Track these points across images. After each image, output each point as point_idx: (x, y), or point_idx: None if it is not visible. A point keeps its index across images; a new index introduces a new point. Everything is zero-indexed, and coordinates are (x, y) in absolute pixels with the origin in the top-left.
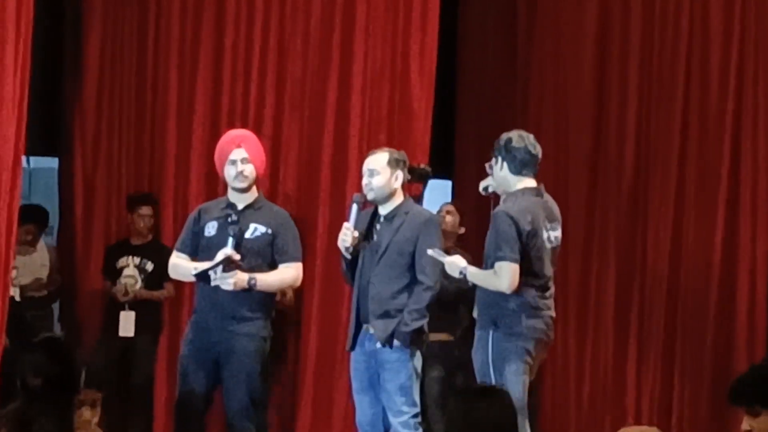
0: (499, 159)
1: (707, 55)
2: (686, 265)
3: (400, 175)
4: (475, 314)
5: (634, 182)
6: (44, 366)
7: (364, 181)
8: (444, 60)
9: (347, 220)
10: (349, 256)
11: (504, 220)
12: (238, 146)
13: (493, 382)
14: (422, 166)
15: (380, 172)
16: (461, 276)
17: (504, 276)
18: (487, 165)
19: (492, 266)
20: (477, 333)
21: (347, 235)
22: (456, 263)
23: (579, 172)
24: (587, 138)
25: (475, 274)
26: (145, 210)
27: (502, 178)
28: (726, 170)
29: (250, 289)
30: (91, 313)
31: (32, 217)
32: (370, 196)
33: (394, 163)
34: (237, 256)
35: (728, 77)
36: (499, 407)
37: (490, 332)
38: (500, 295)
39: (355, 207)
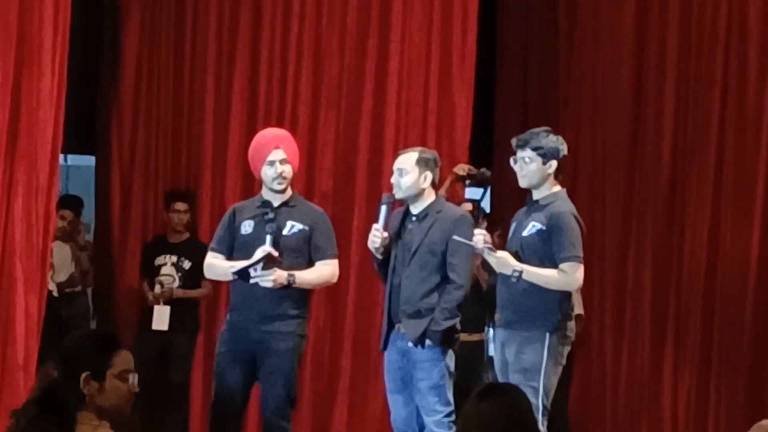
0: (553, 161)
1: (745, 56)
2: (723, 266)
3: (429, 175)
4: (502, 315)
5: (671, 184)
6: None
7: (393, 180)
8: (483, 63)
9: (377, 220)
10: (380, 257)
11: (571, 219)
12: (277, 147)
13: (541, 384)
14: (482, 170)
15: (409, 171)
16: (515, 275)
17: (577, 276)
18: (528, 154)
19: (555, 265)
20: (524, 334)
21: (376, 236)
22: (507, 261)
23: (616, 174)
24: (624, 140)
25: (537, 274)
26: (180, 206)
27: (542, 176)
28: (763, 172)
29: (288, 286)
30: (127, 312)
31: (65, 204)
32: (398, 195)
33: (423, 163)
34: (276, 253)
35: (766, 78)
36: (518, 406)
37: (546, 335)
38: (557, 299)
39: (384, 207)
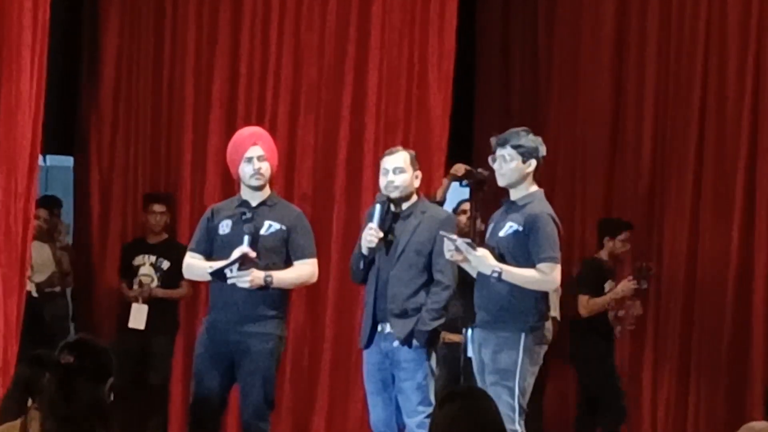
0: (533, 160)
1: (724, 55)
2: (702, 267)
3: (419, 175)
4: (479, 315)
5: (651, 186)
6: (78, 345)
7: (389, 178)
8: (463, 64)
9: (370, 221)
10: (370, 256)
11: (548, 221)
12: (254, 144)
13: (516, 385)
14: (479, 170)
15: (405, 170)
16: (494, 275)
17: (555, 277)
18: (508, 152)
19: (532, 266)
20: (501, 334)
21: (373, 236)
22: (487, 260)
23: (595, 176)
24: (604, 142)
25: (516, 274)
26: (157, 207)
27: (521, 175)
28: (742, 172)
29: (266, 287)
30: (106, 312)
31: (39, 203)
32: (394, 194)
33: (414, 163)
34: (253, 254)
35: (745, 77)
36: (487, 410)
37: (522, 336)
38: (533, 300)
39: (378, 207)
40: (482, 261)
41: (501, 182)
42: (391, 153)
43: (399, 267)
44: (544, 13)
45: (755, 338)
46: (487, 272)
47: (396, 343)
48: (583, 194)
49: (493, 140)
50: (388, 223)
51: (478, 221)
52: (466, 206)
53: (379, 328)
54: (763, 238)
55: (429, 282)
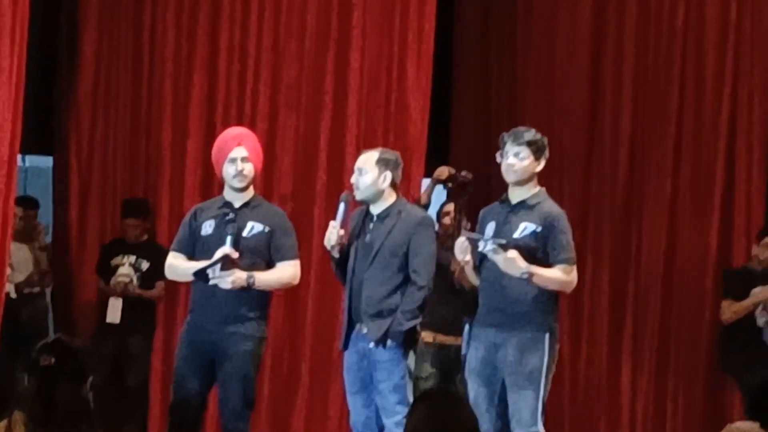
0: (543, 160)
1: (702, 56)
2: (681, 267)
3: (388, 176)
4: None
5: (629, 184)
6: (56, 346)
7: (353, 179)
8: (441, 64)
9: (334, 218)
10: (336, 255)
11: (566, 220)
12: (239, 144)
13: (542, 386)
14: (463, 173)
15: (368, 171)
16: (523, 276)
17: (575, 277)
18: (522, 150)
19: (548, 266)
20: (523, 336)
21: (333, 234)
22: (517, 262)
23: (573, 174)
24: (581, 140)
25: (545, 276)
26: (132, 221)
27: (531, 172)
28: (721, 172)
29: (248, 288)
30: (85, 313)
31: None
32: (357, 196)
33: (383, 163)
34: (235, 255)
35: (723, 77)
36: (465, 412)
37: (546, 336)
38: (552, 300)
39: (342, 206)
40: (512, 263)
41: (511, 178)
42: (362, 153)
43: (374, 268)
44: (522, 12)
45: None
46: (516, 274)
47: (371, 344)
48: (560, 193)
49: (504, 135)
50: (359, 224)
51: (464, 222)
52: (449, 208)
53: (356, 328)
54: (741, 236)
55: (404, 283)
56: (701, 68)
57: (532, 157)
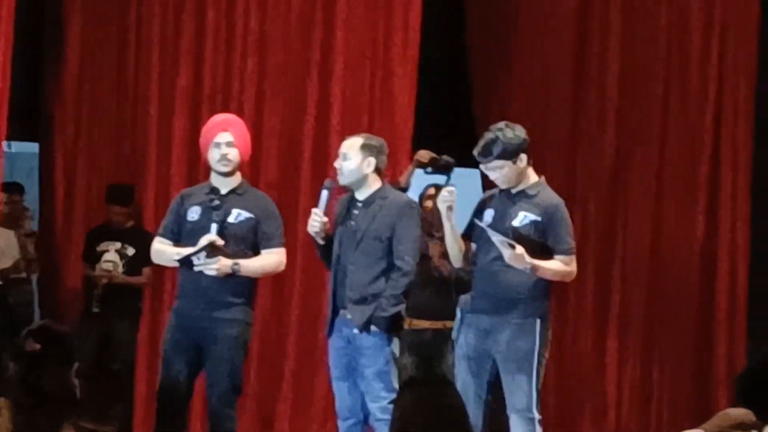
0: (523, 156)
1: (687, 39)
2: (666, 252)
3: (372, 161)
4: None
5: (614, 170)
6: (42, 332)
7: (336, 164)
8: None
9: (317, 205)
10: (321, 241)
11: (566, 210)
12: (224, 130)
13: (534, 371)
14: (444, 157)
15: (351, 156)
16: (528, 269)
17: (575, 267)
18: (496, 163)
19: (546, 255)
20: (515, 321)
21: (316, 221)
22: (525, 258)
23: (558, 160)
24: (565, 125)
25: (548, 269)
26: (117, 209)
27: (520, 172)
28: (706, 158)
29: (233, 275)
30: (71, 299)
31: (4, 188)
32: (341, 181)
33: (367, 149)
34: (220, 242)
35: (709, 61)
36: (453, 398)
37: (537, 321)
38: (545, 286)
39: (325, 192)
40: (520, 258)
41: (503, 186)
42: (346, 139)
43: (358, 254)
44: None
45: (719, 323)
46: (520, 267)
47: (355, 330)
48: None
49: (475, 154)
50: (344, 210)
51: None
52: (431, 191)
53: (340, 314)
54: (727, 221)
55: (388, 269)
56: (686, 52)
57: (509, 163)
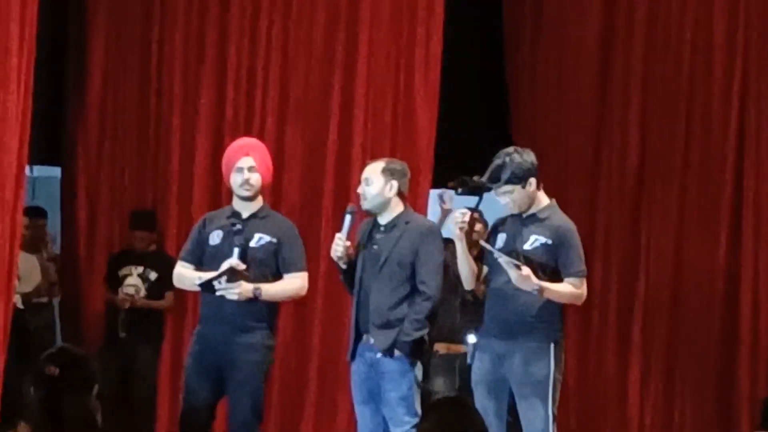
0: (533, 180)
1: (710, 64)
2: (689, 277)
3: (394, 185)
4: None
5: (637, 193)
6: (61, 355)
7: (359, 190)
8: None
9: (340, 230)
10: (343, 266)
11: (576, 234)
12: (246, 154)
13: (550, 395)
14: (475, 178)
15: (374, 181)
16: (535, 291)
17: (585, 290)
18: (506, 188)
19: (555, 279)
20: (529, 345)
21: (339, 246)
22: (531, 279)
23: (581, 183)
24: (588, 147)
25: (556, 291)
26: (140, 234)
27: (529, 196)
28: (729, 182)
29: (255, 299)
30: (93, 323)
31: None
32: (363, 206)
33: (389, 173)
34: (242, 266)
35: (732, 86)
36: (475, 421)
37: (552, 346)
38: (558, 310)
39: (348, 217)
40: (526, 279)
41: (515, 211)
42: (368, 164)
43: (381, 278)
44: (531, 20)
45: (742, 348)
46: (528, 289)
47: (379, 354)
48: (568, 203)
49: (484, 181)
50: (366, 234)
51: (478, 225)
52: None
53: (363, 339)
54: (749, 246)
55: (412, 293)
56: (709, 77)
57: (518, 187)
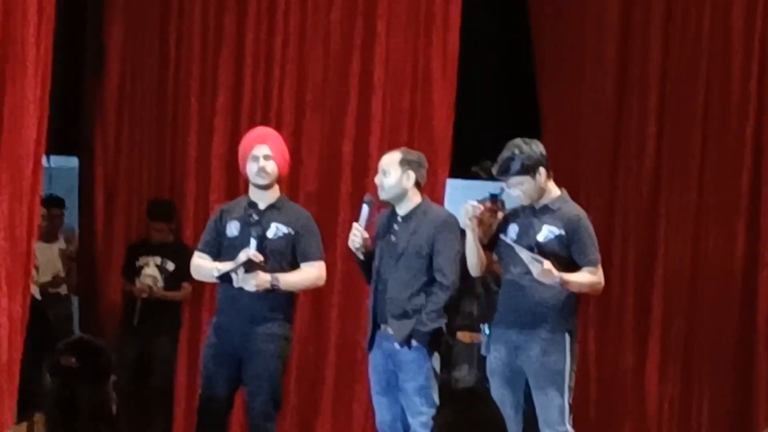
0: (542, 170)
1: (728, 60)
2: (706, 271)
3: (412, 175)
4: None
5: (654, 189)
6: (78, 345)
7: (377, 180)
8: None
9: (357, 220)
10: (361, 257)
11: (589, 223)
12: (262, 143)
13: (566, 385)
14: (488, 162)
15: (392, 171)
16: (556, 284)
17: (602, 276)
18: (516, 180)
19: (572, 268)
20: (545, 337)
21: (357, 236)
22: (553, 273)
23: (598, 179)
24: (607, 143)
25: (577, 282)
26: (158, 226)
27: (540, 187)
28: (747, 177)
29: (272, 290)
30: (111, 313)
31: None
32: (381, 196)
33: (406, 163)
34: (259, 257)
35: (749, 84)
36: (492, 412)
37: (567, 337)
38: (573, 301)
39: (365, 207)
40: (548, 273)
41: (525, 202)
42: (385, 154)
43: (399, 269)
44: (548, 15)
45: (759, 340)
46: (550, 282)
47: (396, 345)
48: (586, 198)
49: (494, 173)
50: (384, 224)
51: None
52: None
53: (381, 329)
54: (767, 238)
55: (429, 283)
56: (727, 73)
57: (528, 178)
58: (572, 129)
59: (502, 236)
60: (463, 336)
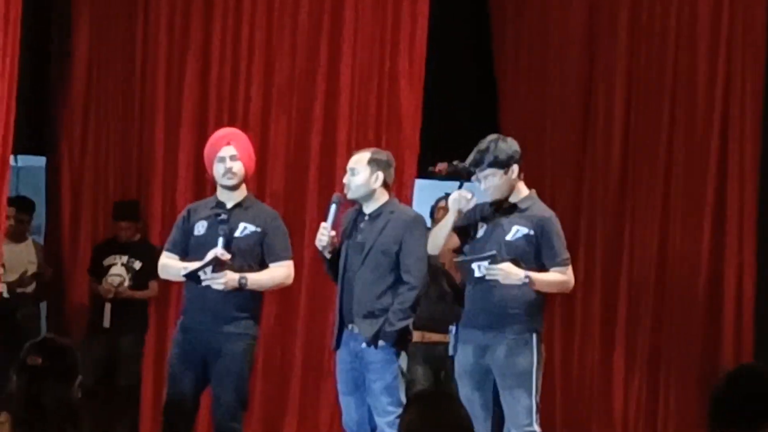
0: (515, 167)
1: (694, 55)
2: (673, 267)
3: (380, 175)
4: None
5: (621, 184)
6: (44, 345)
7: (345, 179)
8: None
9: (325, 219)
10: (327, 255)
11: (558, 223)
12: (228, 144)
13: (534, 385)
14: (455, 162)
15: (360, 171)
16: (524, 283)
17: (572, 277)
18: (488, 171)
19: (540, 269)
20: (512, 337)
21: (324, 235)
22: (512, 272)
23: (565, 174)
24: (573, 140)
25: (545, 280)
26: (124, 224)
27: (510, 184)
28: (713, 172)
29: (240, 289)
30: (78, 313)
31: (12, 203)
32: (349, 195)
33: (375, 163)
34: (227, 256)
35: (716, 77)
36: (459, 412)
37: (534, 337)
38: (540, 301)
39: (333, 206)
40: (508, 274)
41: (494, 197)
42: (354, 153)
43: (365, 268)
44: (513, 11)
45: (725, 337)
46: (516, 282)
47: (363, 344)
48: (552, 192)
49: (467, 164)
50: (350, 223)
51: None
52: (443, 203)
53: (348, 328)
54: (734, 237)
55: (396, 283)
56: (693, 67)
57: (500, 173)
58: (536, 128)
59: (456, 259)
60: (415, 335)
